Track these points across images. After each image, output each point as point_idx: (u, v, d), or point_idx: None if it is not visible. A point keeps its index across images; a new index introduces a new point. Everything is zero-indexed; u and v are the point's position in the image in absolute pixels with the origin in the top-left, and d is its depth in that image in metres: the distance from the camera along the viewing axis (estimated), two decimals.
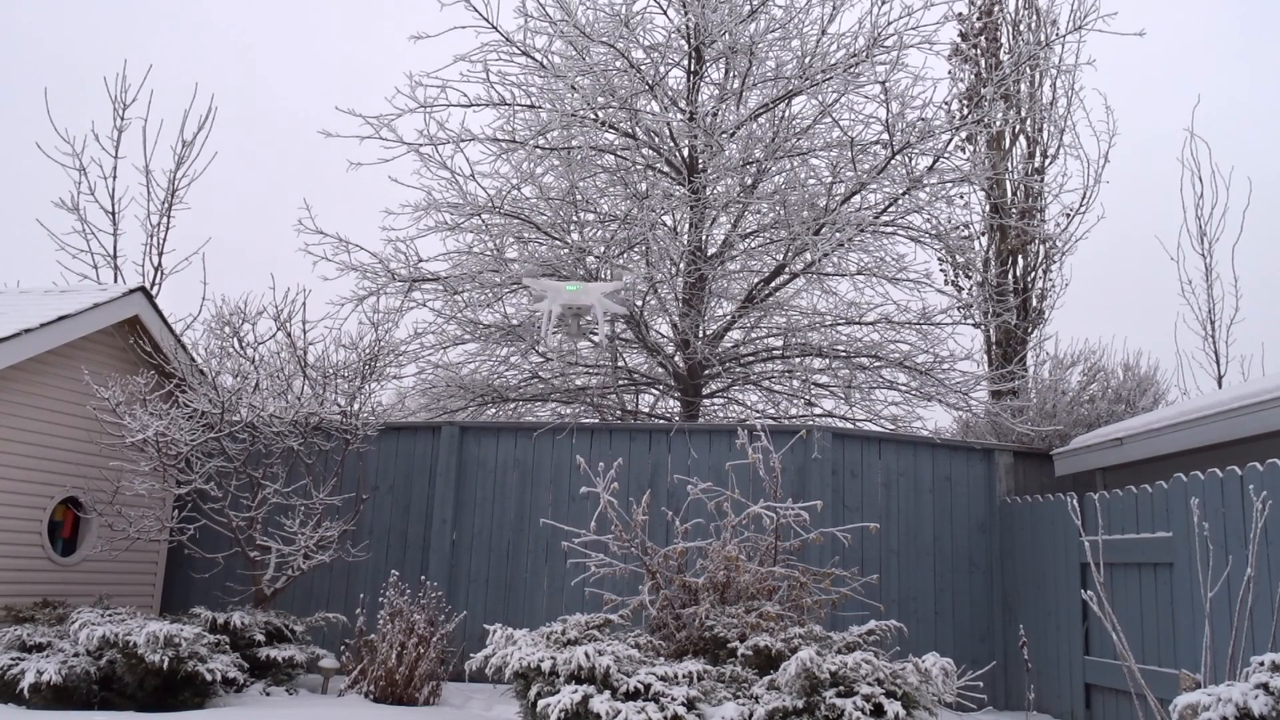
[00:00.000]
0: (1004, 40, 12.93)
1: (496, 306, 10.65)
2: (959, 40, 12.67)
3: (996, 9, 12.88)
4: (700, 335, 10.11)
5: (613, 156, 10.37)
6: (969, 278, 11.98)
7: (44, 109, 12.34)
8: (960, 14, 12.78)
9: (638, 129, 10.16)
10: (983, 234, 12.41)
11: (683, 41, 10.20)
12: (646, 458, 8.80)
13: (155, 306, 8.80)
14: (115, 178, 12.59)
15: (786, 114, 10.17)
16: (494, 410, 11.08)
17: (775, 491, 7.09)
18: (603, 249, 10.22)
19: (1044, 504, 7.81)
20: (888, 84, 9.52)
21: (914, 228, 10.41)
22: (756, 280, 10.71)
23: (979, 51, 12.73)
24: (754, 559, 6.89)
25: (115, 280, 12.36)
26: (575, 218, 10.40)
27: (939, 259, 11.81)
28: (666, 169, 10.36)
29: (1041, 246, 12.34)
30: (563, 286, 7.55)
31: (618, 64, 10.04)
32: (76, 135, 12.41)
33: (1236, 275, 12.71)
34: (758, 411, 11.47)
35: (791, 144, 10.07)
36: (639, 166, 10.37)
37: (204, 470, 7.95)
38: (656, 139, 10.33)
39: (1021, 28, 12.91)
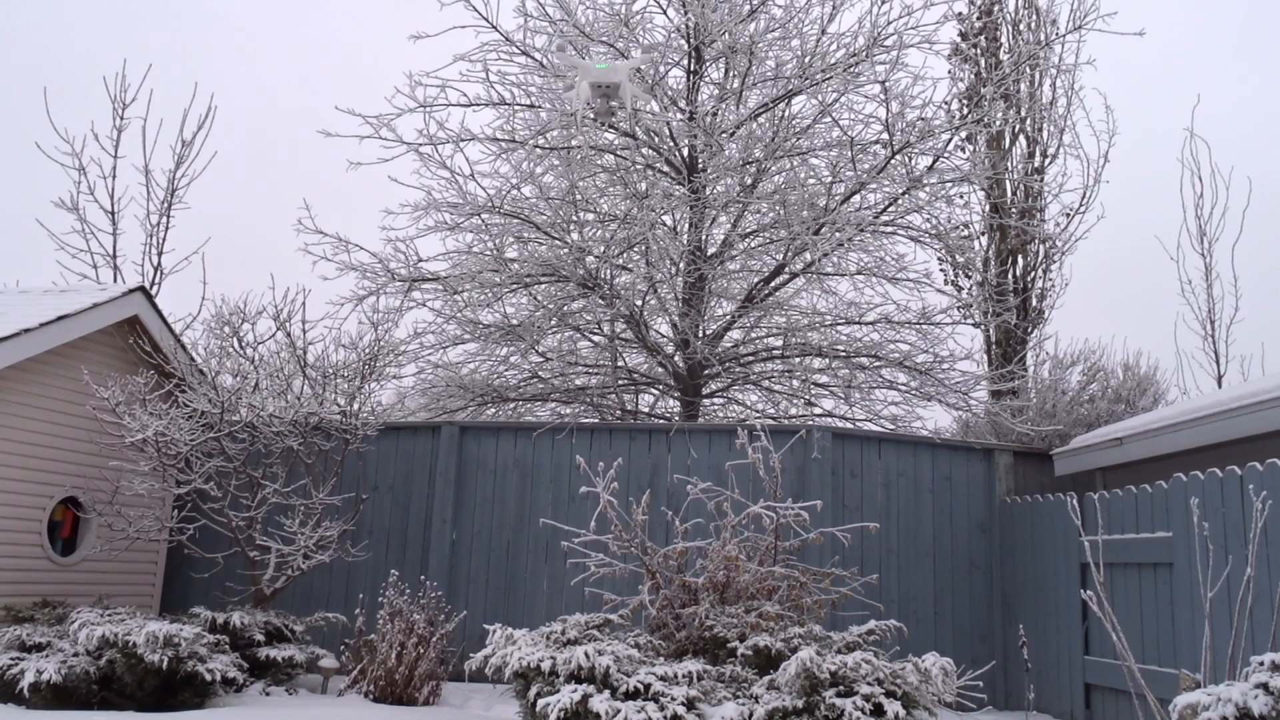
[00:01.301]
0: (1004, 40, 12.92)
1: (496, 306, 10.65)
2: (959, 40, 12.66)
3: (996, 9, 12.87)
4: (700, 335, 10.10)
5: (612, 156, 10.37)
6: (969, 278, 11.98)
7: (43, 108, 12.35)
8: (960, 14, 12.77)
9: (637, 128, 10.15)
10: (983, 234, 12.41)
11: (682, 41, 10.20)
12: (646, 458, 8.80)
13: (155, 306, 8.79)
14: (115, 177, 12.59)
15: (786, 114, 10.16)
16: (494, 410, 11.08)
17: (775, 491, 7.09)
18: (603, 249, 10.22)
19: (1044, 504, 7.80)
20: (887, 84, 9.52)
21: (914, 227, 10.41)
22: (756, 280, 10.71)
23: (979, 51, 12.72)
24: (754, 559, 6.89)
25: (115, 280, 12.36)
26: (575, 217, 10.40)
27: (939, 259, 11.81)
28: (666, 169, 10.36)
29: (1041, 246, 12.34)
30: (591, 66, 7.53)
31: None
32: (76, 135, 12.41)
33: (1236, 275, 12.72)
34: (758, 411, 11.46)
35: (791, 144, 10.07)
36: (639, 166, 10.37)
37: (203, 470, 7.94)
38: (656, 138, 10.32)
39: (1021, 27, 12.90)
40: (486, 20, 9.82)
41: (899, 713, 4.96)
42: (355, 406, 8.44)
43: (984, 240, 12.44)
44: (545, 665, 5.43)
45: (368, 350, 8.65)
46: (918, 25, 9.70)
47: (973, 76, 12.65)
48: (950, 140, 10.20)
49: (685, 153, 10.28)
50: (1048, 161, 12.48)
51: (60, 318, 7.81)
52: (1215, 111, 14.14)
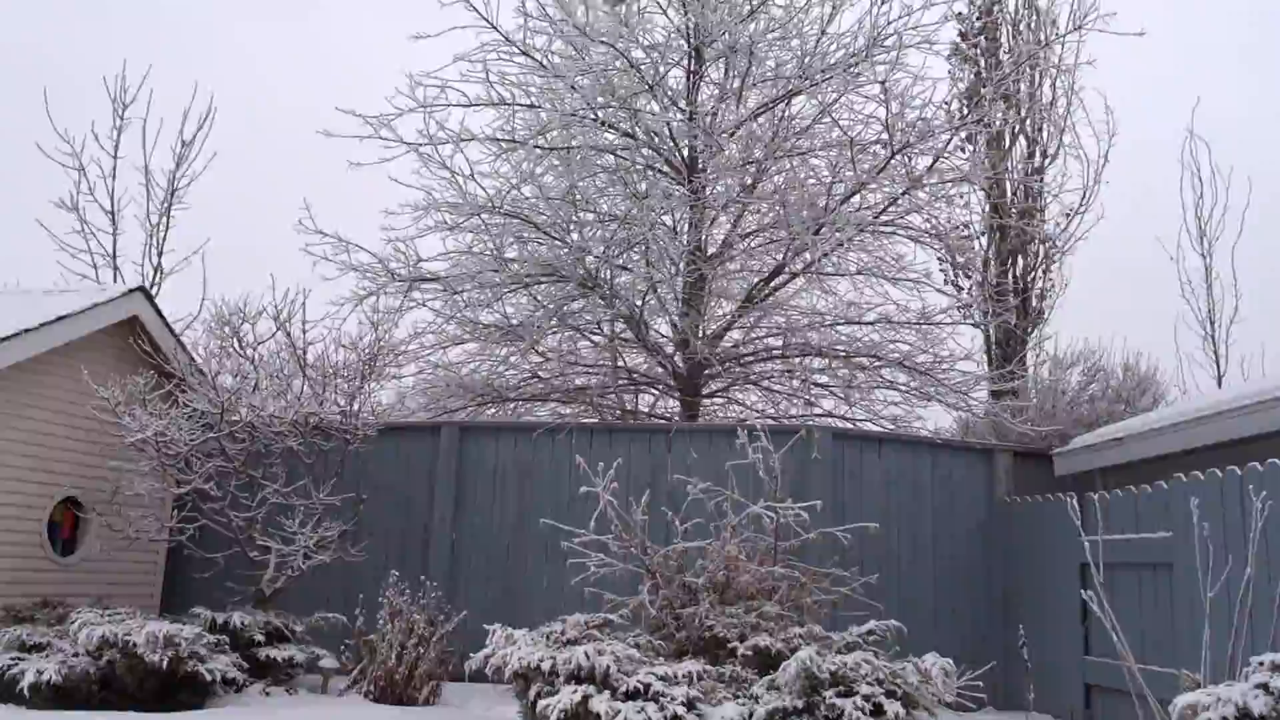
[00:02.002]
0: (1004, 40, 12.93)
1: (496, 306, 10.65)
2: (959, 40, 12.66)
3: (996, 9, 12.88)
4: (700, 335, 10.10)
5: (612, 156, 10.37)
6: (969, 278, 11.98)
7: (44, 109, 12.36)
8: (960, 14, 12.76)
9: (637, 129, 10.15)
10: (982, 234, 12.42)
11: (682, 41, 10.20)
12: (646, 458, 8.79)
13: (154, 306, 8.79)
14: (115, 178, 12.62)
15: (786, 114, 10.17)
16: (494, 410, 11.07)
17: (775, 492, 7.09)
18: (602, 249, 10.21)
19: (1044, 504, 7.80)
20: (887, 84, 9.52)
21: (914, 228, 10.41)
22: (756, 280, 10.71)
23: (979, 51, 12.72)
24: (754, 559, 6.89)
25: (115, 280, 12.38)
26: (575, 218, 10.39)
27: (939, 259, 11.79)
28: (666, 169, 10.36)
29: (1041, 246, 12.35)
30: None
31: (617, 64, 10.03)
32: (76, 135, 12.42)
33: (1236, 275, 12.72)
34: (758, 411, 11.46)
35: (791, 144, 10.07)
36: (639, 166, 10.37)
37: (203, 470, 7.94)
38: (656, 139, 10.32)
39: (1021, 27, 12.91)
40: (486, 20, 9.81)
41: (899, 713, 4.96)
42: (355, 407, 8.44)
43: (984, 240, 12.46)
44: (545, 665, 5.43)
45: (368, 350, 8.65)
46: (918, 25, 9.68)
47: (973, 76, 12.65)
48: (950, 140, 10.21)
49: (685, 153, 10.28)
50: (1048, 162, 12.50)
51: (60, 318, 7.82)
52: (1216, 112, 14.14)
